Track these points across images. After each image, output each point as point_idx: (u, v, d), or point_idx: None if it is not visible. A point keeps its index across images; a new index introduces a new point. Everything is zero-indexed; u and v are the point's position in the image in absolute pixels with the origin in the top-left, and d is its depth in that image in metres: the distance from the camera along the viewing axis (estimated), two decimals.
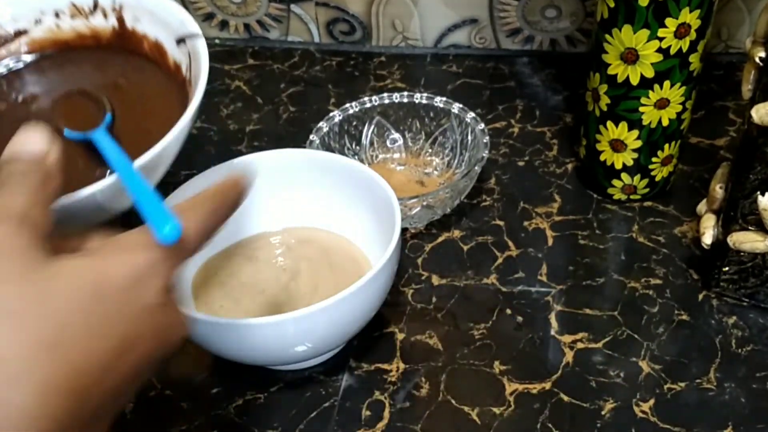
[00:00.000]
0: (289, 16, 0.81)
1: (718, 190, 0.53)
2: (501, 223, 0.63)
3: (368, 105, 0.66)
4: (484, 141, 0.62)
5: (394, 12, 0.79)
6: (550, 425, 0.49)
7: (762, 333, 0.54)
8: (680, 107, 0.57)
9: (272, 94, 0.76)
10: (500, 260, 0.60)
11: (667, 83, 0.55)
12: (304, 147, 0.62)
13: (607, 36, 0.55)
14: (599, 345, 0.54)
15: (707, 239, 0.54)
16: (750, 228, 0.52)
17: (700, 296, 0.56)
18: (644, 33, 0.53)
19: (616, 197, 0.63)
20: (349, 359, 0.54)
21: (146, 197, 0.34)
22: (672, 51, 0.54)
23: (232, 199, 0.36)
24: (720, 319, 0.55)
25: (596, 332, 0.54)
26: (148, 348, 0.32)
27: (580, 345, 0.54)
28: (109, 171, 0.43)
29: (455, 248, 0.61)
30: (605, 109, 0.58)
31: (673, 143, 0.60)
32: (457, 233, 0.62)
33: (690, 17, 0.52)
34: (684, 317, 0.55)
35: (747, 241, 0.51)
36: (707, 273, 0.56)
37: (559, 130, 0.71)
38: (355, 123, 0.66)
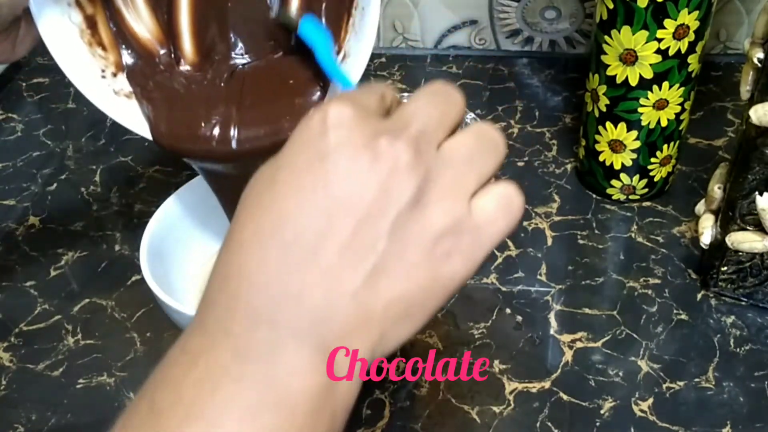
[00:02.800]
0: None
1: (716, 190, 0.54)
2: None
3: None
4: None
5: (395, 13, 0.79)
6: (549, 424, 0.49)
7: (760, 332, 0.54)
8: (679, 108, 0.58)
9: None
10: (500, 260, 0.60)
11: (665, 84, 0.55)
12: None
13: (606, 37, 0.55)
14: (598, 344, 0.54)
15: (706, 239, 0.54)
16: (748, 228, 0.52)
17: (699, 296, 0.56)
18: (643, 34, 0.53)
19: (615, 197, 0.63)
20: None
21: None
22: (671, 52, 0.54)
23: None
24: (718, 318, 0.55)
25: (595, 332, 0.54)
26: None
27: (579, 344, 0.54)
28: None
29: None
30: (604, 109, 0.59)
31: (671, 144, 0.60)
32: None
33: (688, 18, 0.52)
34: (683, 317, 0.55)
35: (745, 241, 0.52)
36: (706, 273, 0.56)
37: (558, 131, 0.71)
38: None
